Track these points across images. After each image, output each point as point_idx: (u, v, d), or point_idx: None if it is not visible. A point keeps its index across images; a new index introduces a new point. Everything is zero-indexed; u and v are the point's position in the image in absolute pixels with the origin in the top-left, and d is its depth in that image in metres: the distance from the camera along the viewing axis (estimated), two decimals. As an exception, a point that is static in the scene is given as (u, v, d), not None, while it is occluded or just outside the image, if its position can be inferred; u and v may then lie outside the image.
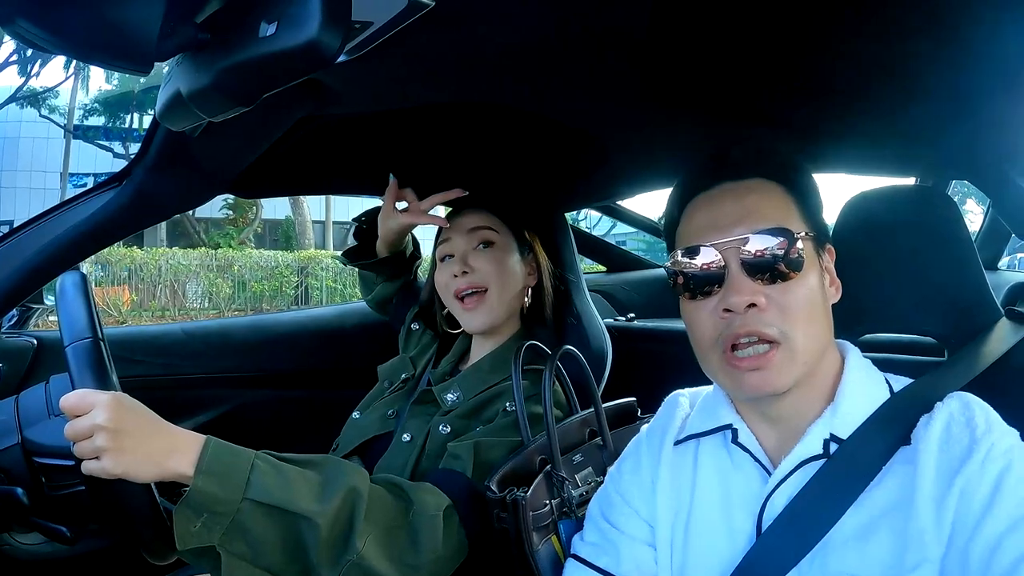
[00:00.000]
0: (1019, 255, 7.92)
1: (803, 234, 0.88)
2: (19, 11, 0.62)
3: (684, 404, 1.05)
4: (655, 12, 0.87)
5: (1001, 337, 1.06)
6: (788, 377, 0.85)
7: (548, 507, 1.13)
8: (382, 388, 1.57)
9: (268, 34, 0.64)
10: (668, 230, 1.00)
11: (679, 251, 0.92)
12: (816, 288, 0.88)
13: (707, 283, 0.89)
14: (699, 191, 0.95)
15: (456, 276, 1.44)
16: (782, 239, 0.86)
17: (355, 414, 1.52)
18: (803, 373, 0.86)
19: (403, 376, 1.55)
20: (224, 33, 0.71)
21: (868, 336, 1.19)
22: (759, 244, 0.86)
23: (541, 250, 1.56)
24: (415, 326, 1.67)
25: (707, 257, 0.88)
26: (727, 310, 0.87)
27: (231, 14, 0.71)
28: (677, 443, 1.00)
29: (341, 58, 0.79)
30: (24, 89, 19.03)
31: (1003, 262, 2.79)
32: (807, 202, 0.92)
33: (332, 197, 19.71)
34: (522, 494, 1.08)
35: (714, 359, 0.90)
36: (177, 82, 0.77)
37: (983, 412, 0.81)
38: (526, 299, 1.53)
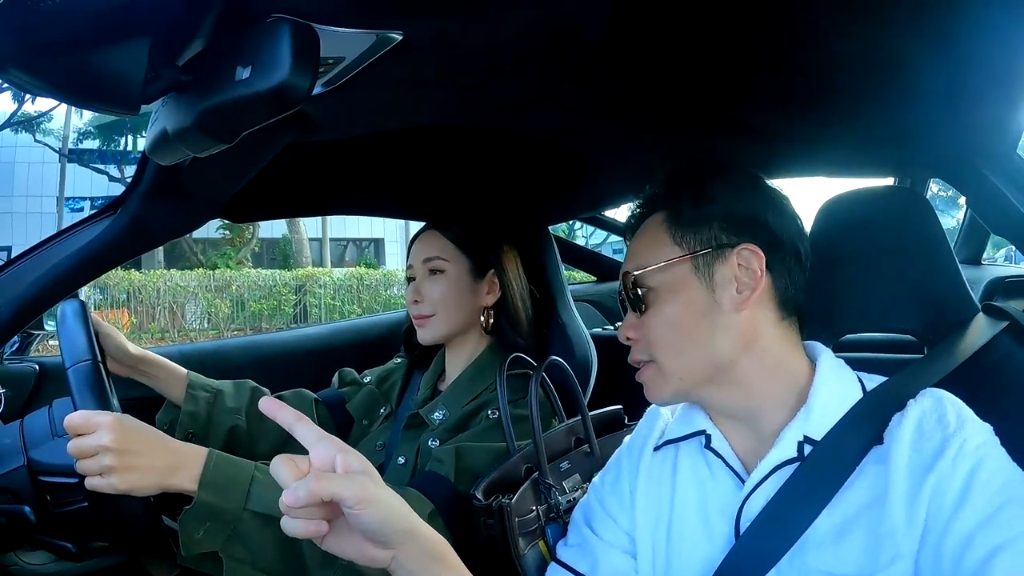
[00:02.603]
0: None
1: (658, 264, 0.93)
2: (11, 60, 0.65)
3: (665, 413, 1.07)
4: (616, 19, 0.87)
5: (977, 332, 1.06)
6: (664, 391, 0.95)
7: (535, 513, 1.16)
8: (362, 427, 1.63)
9: (243, 77, 0.69)
10: None
11: None
12: (677, 314, 0.92)
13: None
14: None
15: (415, 302, 1.52)
16: (632, 276, 0.95)
17: None
18: (679, 388, 0.94)
19: (381, 411, 1.61)
20: (204, 75, 0.76)
21: (849, 336, 1.19)
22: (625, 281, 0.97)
23: (511, 267, 1.58)
24: (367, 378, 1.73)
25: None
26: None
27: (210, 58, 0.76)
28: (656, 449, 1.01)
29: (318, 90, 0.83)
30: (19, 115, 19.01)
31: (1000, 254, 2.82)
32: (698, 218, 0.94)
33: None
34: (507, 500, 1.12)
35: None
36: (163, 121, 0.82)
37: (955, 409, 0.82)
38: (487, 318, 1.55)
